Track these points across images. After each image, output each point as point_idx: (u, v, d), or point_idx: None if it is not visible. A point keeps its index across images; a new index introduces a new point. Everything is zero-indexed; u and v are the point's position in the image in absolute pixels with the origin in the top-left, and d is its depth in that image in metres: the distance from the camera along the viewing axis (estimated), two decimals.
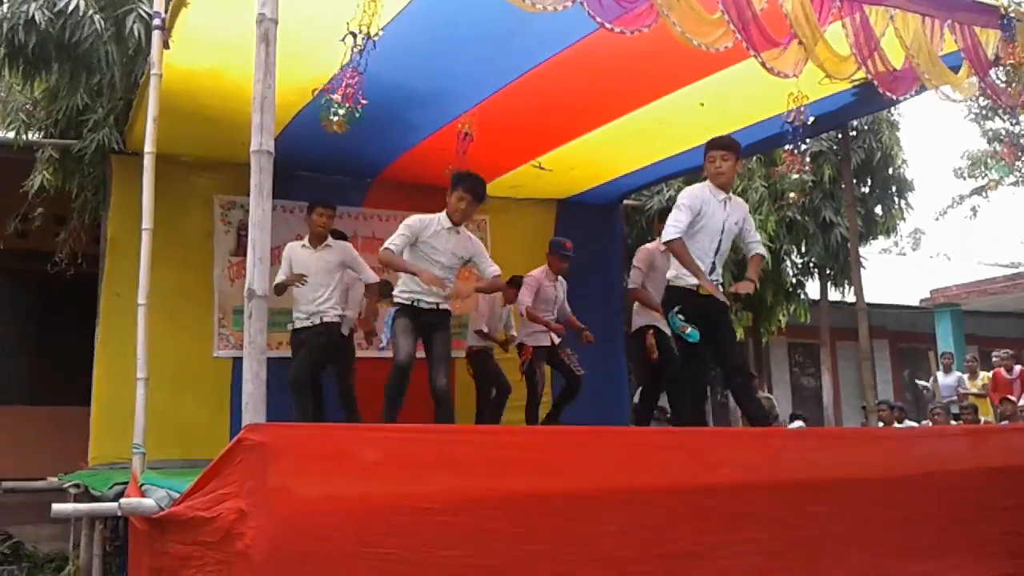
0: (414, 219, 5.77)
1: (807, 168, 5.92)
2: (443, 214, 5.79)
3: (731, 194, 5.59)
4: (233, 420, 6.22)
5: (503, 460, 3.52)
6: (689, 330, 5.21)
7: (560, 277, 7.58)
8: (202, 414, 6.63)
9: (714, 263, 5.43)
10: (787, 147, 5.96)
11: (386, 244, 5.70)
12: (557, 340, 7.39)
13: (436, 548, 3.23)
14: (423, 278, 5.51)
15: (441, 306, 5.78)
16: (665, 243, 5.41)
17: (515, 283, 7.41)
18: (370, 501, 3.20)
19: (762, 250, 5.79)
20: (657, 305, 6.25)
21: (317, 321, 6.36)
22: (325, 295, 6.37)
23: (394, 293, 5.85)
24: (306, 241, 6.46)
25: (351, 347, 7.02)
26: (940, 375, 12.35)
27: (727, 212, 5.45)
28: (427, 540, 3.22)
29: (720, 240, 5.43)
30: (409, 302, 5.71)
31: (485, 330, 7.68)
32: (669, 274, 5.51)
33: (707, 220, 5.37)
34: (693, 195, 5.41)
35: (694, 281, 5.29)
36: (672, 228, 5.29)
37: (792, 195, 7.35)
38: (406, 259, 5.71)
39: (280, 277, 6.32)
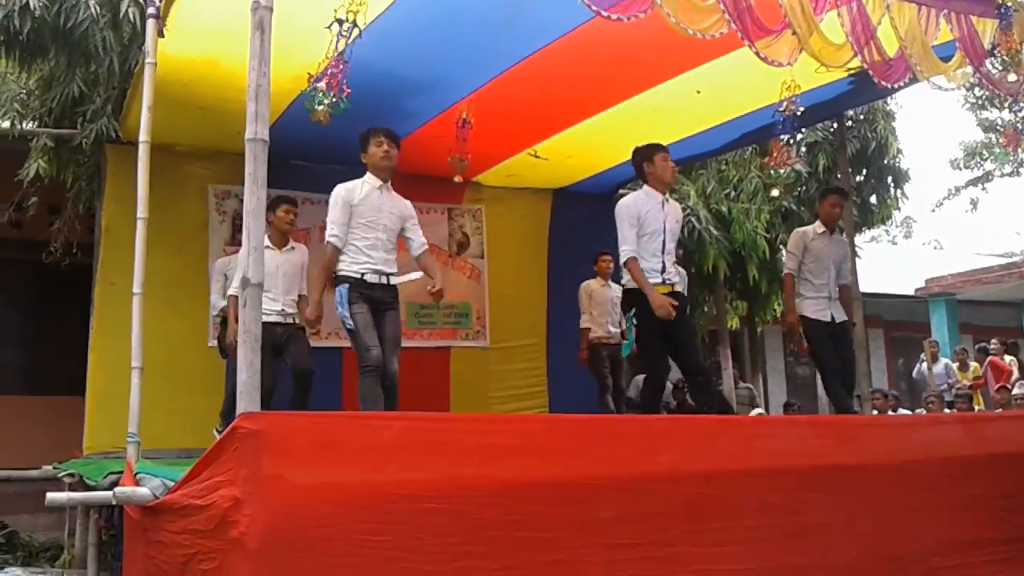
0: (338, 191, 5.26)
1: (795, 160, 5.92)
2: (366, 175, 5.34)
3: (667, 196, 5.74)
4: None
5: (497, 448, 3.53)
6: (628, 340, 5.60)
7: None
8: (197, 403, 6.62)
9: (663, 262, 5.54)
10: (778, 138, 5.96)
11: (329, 235, 5.22)
12: None
13: (430, 536, 3.23)
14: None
15: (391, 280, 5.32)
16: (623, 264, 5.53)
17: None
18: (365, 489, 3.20)
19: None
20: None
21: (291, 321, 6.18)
22: (295, 297, 6.23)
23: (338, 267, 5.27)
24: (267, 241, 6.17)
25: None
26: (927, 362, 12.37)
27: (665, 212, 5.60)
28: (421, 528, 3.22)
29: (664, 239, 5.56)
30: (358, 275, 5.18)
31: (583, 324, 7.77)
32: (625, 278, 5.63)
33: (650, 223, 5.53)
34: (627, 207, 5.56)
35: (651, 282, 5.44)
36: (625, 248, 5.46)
37: (776, 191, 7.31)
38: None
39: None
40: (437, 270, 5.65)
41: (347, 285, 5.18)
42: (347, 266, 5.23)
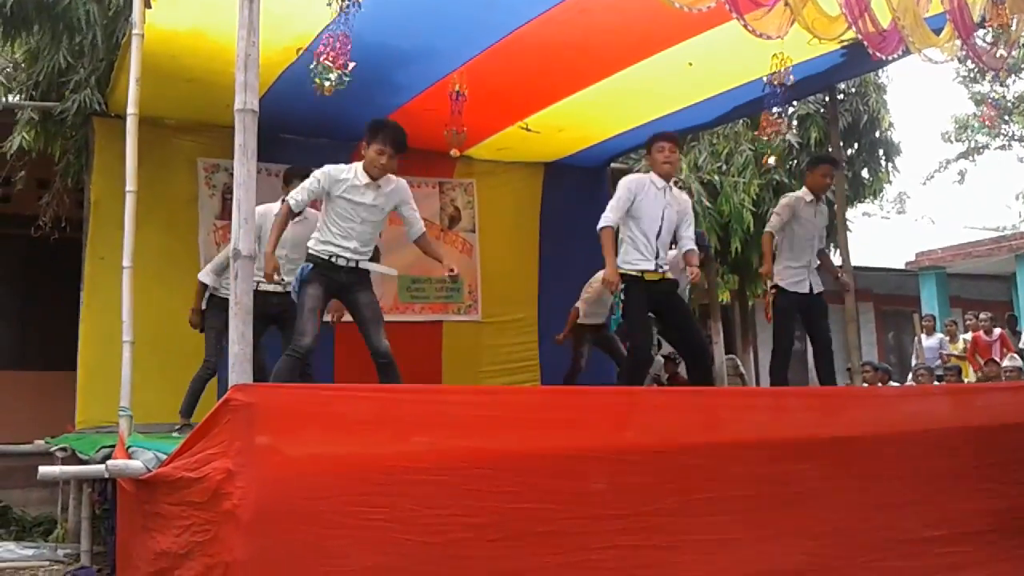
0: (325, 170, 5.08)
1: (785, 133, 5.90)
2: (359, 167, 5.10)
3: (671, 185, 5.74)
4: (220, 382, 6.22)
5: (490, 420, 3.54)
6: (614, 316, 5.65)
7: None
8: (189, 376, 6.58)
9: (657, 249, 5.57)
10: (769, 110, 5.95)
11: (290, 196, 5.11)
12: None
13: (423, 507, 3.25)
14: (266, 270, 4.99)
15: (360, 264, 5.19)
16: (598, 230, 5.52)
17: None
18: (357, 461, 3.21)
19: (693, 246, 5.81)
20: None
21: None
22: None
23: (309, 244, 5.22)
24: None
25: None
26: (923, 337, 12.46)
27: (666, 200, 5.62)
28: (414, 499, 3.23)
29: (661, 227, 5.58)
30: (326, 256, 5.10)
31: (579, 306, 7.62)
32: (618, 259, 5.57)
33: (646, 208, 5.54)
34: (625, 182, 5.66)
35: (640, 268, 5.49)
36: (608, 216, 5.50)
37: (772, 160, 7.29)
38: (322, 213, 5.16)
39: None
40: (440, 249, 5.84)
41: (312, 265, 5.11)
42: (316, 245, 5.15)
